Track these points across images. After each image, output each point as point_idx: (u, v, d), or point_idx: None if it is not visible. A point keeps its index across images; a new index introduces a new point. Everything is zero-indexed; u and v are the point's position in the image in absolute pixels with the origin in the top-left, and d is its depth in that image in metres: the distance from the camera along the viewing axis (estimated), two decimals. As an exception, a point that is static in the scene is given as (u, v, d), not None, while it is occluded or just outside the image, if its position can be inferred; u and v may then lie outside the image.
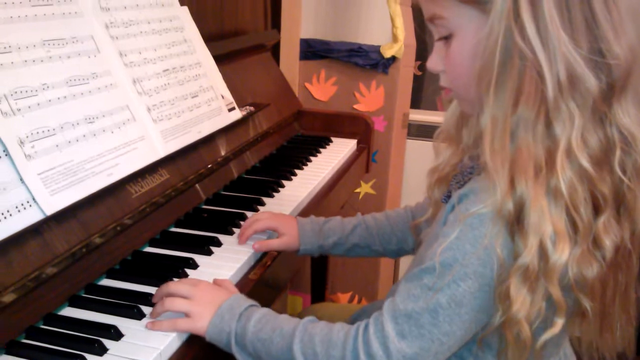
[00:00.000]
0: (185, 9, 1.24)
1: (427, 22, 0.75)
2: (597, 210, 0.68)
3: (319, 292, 1.74)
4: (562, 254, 0.65)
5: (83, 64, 0.91)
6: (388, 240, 1.05)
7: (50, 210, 0.77)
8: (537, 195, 0.65)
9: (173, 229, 1.07)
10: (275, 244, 1.02)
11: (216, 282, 0.84)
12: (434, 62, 0.75)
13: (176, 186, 1.08)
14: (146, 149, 0.98)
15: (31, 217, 0.75)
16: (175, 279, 0.88)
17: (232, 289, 0.82)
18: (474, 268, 0.67)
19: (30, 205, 0.75)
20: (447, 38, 0.72)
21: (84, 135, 0.87)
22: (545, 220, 0.65)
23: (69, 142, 0.84)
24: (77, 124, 0.86)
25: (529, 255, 0.65)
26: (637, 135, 0.68)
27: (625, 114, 0.68)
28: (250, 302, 0.79)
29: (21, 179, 0.75)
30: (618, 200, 0.69)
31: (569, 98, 0.65)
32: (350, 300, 2.11)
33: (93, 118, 0.89)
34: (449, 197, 0.81)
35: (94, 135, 0.88)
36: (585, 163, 0.66)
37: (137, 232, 0.99)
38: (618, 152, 0.68)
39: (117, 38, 1.00)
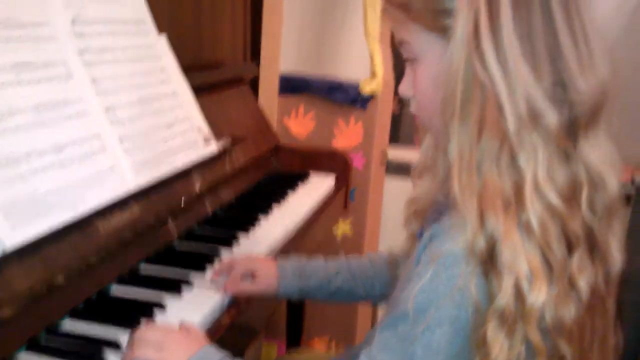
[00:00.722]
0: (163, 37, 1.21)
1: (398, 45, 0.74)
2: (570, 249, 0.65)
3: (295, 338, 1.67)
4: (539, 295, 0.62)
5: (54, 89, 0.86)
6: (371, 284, 1.00)
7: (10, 245, 0.71)
8: (508, 231, 0.63)
9: (142, 266, 1.00)
10: (250, 288, 0.97)
11: (182, 327, 0.78)
12: (404, 87, 0.75)
13: (147, 221, 1.02)
14: (116, 181, 0.93)
15: (-13, 252, 0.69)
16: (143, 321, 0.82)
17: (201, 339, 0.76)
18: (449, 312, 0.63)
19: (-13, 240, 0.69)
20: (412, 63, 0.72)
21: (51, 165, 0.81)
22: (520, 258, 0.63)
23: (35, 171, 0.78)
24: (44, 152, 0.81)
25: (504, 297, 0.62)
26: (605, 174, 0.67)
27: (594, 150, 0.66)
28: (221, 354, 0.73)
29: (-22, 211, 0.69)
30: (590, 240, 0.67)
31: (531, 131, 0.63)
32: (328, 345, 2.05)
33: (62, 146, 0.83)
34: (421, 233, 0.78)
35: (62, 164, 0.83)
36: (554, 199, 0.64)
37: (104, 270, 0.93)
38: (586, 190, 0.66)
39: (90, 64, 0.95)
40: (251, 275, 0.98)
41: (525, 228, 0.63)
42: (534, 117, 0.63)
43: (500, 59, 0.62)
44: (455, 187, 0.65)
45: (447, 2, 0.66)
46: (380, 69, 1.94)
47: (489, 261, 0.63)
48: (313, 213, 1.40)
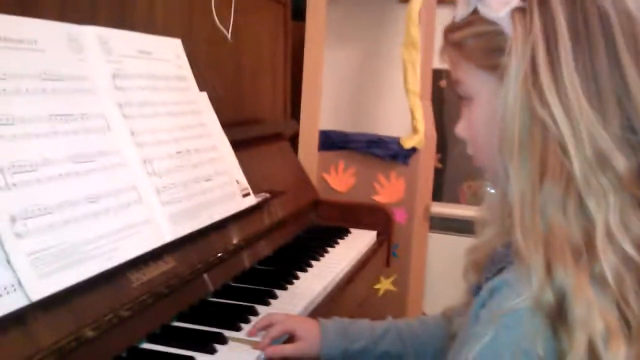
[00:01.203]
0: (204, 94, 1.22)
1: (454, 85, 0.72)
2: None
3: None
4: (616, 355, 0.56)
5: (91, 140, 0.87)
6: (423, 350, 0.92)
7: (36, 296, 0.69)
8: (580, 284, 0.57)
9: (175, 323, 0.97)
10: (290, 349, 0.91)
11: None
12: (460, 128, 0.73)
13: (181, 275, 1.00)
14: (151, 233, 0.91)
15: (14, 302, 0.67)
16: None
17: None
18: None
19: (15, 290, 0.68)
20: (467, 103, 0.70)
21: (84, 215, 0.80)
22: (594, 314, 0.57)
23: (66, 221, 0.78)
24: (78, 202, 0.80)
25: (577, 356, 0.56)
26: None
27: None
28: None
29: (8, 260, 0.68)
30: None
31: (599, 175, 0.59)
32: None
33: (95, 197, 0.83)
34: (479, 288, 0.72)
35: (95, 215, 0.82)
36: (630, 249, 0.58)
37: (135, 325, 0.90)
38: None
39: (130, 117, 0.96)
40: (290, 335, 0.93)
41: (599, 280, 0.58)
42: (601, 161, 0.59)
43: (561, 96, 0.59)
44: (518, 233, 0.60)
45: (500, 40, 0.64)
46: (421, 125, 1.92)
47: (558, 317, 0.58)
48: (353, 270, 1.35)
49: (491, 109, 0.65)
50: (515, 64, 0.61)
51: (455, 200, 2.27)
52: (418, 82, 1.86)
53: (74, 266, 0.77)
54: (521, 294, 0.58)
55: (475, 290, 0.72)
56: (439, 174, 2.19)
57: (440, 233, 2.07)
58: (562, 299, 0.57)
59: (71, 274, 0.76)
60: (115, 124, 0.93)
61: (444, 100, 2.19)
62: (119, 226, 0.86)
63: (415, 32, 1.81)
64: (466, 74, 0.68)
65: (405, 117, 1.93)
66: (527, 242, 0.59)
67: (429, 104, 2.00)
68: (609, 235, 0.58)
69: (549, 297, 0.57)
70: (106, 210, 0.84)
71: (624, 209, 0.59)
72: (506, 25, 0.63)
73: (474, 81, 0.68)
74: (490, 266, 0.71)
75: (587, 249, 0.58)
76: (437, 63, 2.02)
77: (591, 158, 0.59)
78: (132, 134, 0.95)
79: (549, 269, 0.58)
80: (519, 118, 0.61)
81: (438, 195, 2.22)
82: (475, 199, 2.15)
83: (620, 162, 0.59)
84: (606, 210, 0.58)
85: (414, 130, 1.91)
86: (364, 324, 0.95)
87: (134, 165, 0.93)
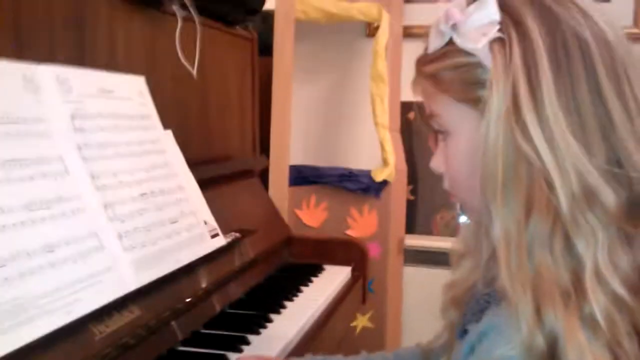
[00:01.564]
0: (169, 132, 1.18)
1: (426, 119, 0.70)
2: None
3: None
4: None
5: (48, 186, 0.82)
6: None
7: (-14, 359, 0.64)
8: (571, 328, 0.55)
9: (142, 376, 0.91)
10: None
11: None
12: (436, 162, 0.71)
13: (148, 324, 0.94)
14: (114, 282, 0.86)
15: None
16: None
17: None
18: None
19: (-38, 353, 0.62)
20: (444, 137, 0.68)
21: (40, 266, 0.75)
22: (587, 358, 0.54)
23: (22, 274, 0.72)
24: (34, 253, 0.75)
25: None
26: None
27: None
28: None
29: (-46, 321, 0.62)
30: None
31: (586, 211, 0.57)
32: None
33: (53, 246, 0.78)
34: (464, 331, 0.69)
35: (52, 266, 0.77)
36: (619, 289, 0.56)
37: (99, 382, 0.84)
38: None
39: (89, 159, 0.92)
40: None
41: (589, 323, 0.55)
42: (588, 196, 0.57)
43: (545, 131, 0.57)
44: (504, 275, 0.58)
45: (479, 72, 0.62)
46: (392, 157, 1.91)
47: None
48: (329, 308, 1.31)
49: (471, 143, 0.63)
50: (496, 98, 0.59)
51: (428, 232, 2.25)
52: (387, 114, 1.86)
53: (30, 322, 0.71)
54: (510, 341, 0.55)
55: (461, 333, 0.69)
56: (411, 205, 2.17)
57: (414, 266, 2.05)
58: (554, 344, 0.54)
59: (27, 330, 0.70)
60: (73, 168, 0.88)
61: (413, 132, 2.19)
62: (78, 276, 0.80)
63: (383, 65, 1.82)
64: (443, 107, 0.66)
65: (375, 150, 1.92)
66: (514, 285, 0.57)
67: (398, 136, 2.00)
68: (598, 275, 0.56)
69: (540, 342, 0.54)
70: (64, 259, 0.79)
71: (613, 246, 0.57)
72: (484, 57, 0.61)
73: (452, 115, 0.66)
74: (474, 306, 0.68)
75: (575, 290, 0.56)
76: (405, 96, 2.03)
77: (578, 193, 0.57)
78: (92, 177, 0.91)
79: (538, 312, 0.55)
80: (502, 154, 0.58)
81: (411, 227, 2.20)
82: (449, 230, 2.14)
83: (609, 196, 0.57)
84: (595, 249, 0.56)
85: (385, 162, 1.90)
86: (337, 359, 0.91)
87: (94, 210, 0.88)
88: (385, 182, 1.89)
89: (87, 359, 0.82)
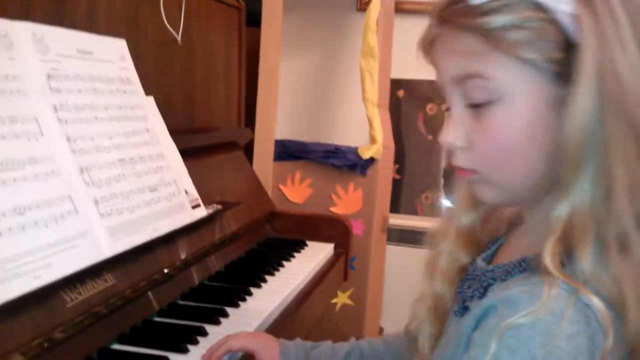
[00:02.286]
0: (151, 98, 1.15)
1: (451, 83, 0.60)
2: None
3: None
4: None
5: (21, 147, 0.79)
6: None
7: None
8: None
9: (114, 346, 0.89)
10: None
11: None
12: (454, 136, 0.60)
13: (123, 294, 0.92)
14: (88, 248, 0.83)
15: None
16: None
17: None
18: None
19: None
20: (479, 105, 0.58)
21: (10, 229, 0.72)
22: None
23: (-11, 236, 0.69)
24: (3, 214, 0.72)
25: None
26: None
27: None
28: None
29: None
30: None
31: None
32: None
33: (24, 209, 0.75)
34: (464, 308, 0.66)
35: (23, 228, 0.74)
36: None
37: (69, 350, 0.82)
38: None
39: (66, 122, 0.88)
40: (250, 355, 0.87)
41: None
42: None
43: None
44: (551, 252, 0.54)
45: (553, 30, 0.55)
46: (379, 134, 1.89)
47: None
48: (310, 284, 1.29)
49: (532, 110, 0.56)
50: (591, 60, 0.53)
51: (412, 211, 2.24)
52: (376, 91, 1.83)
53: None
54: (520, 311, 0.52)
55: (460, 310, 0.66)
56: (396, 185, 2.16)
57: (397, 245, 2.04)
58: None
59: (-7, 294, 0.67)
60: (48, 129, 0.85)
61: (402, 110, 2.17)
62: (50, 240, 0.78)
63: (374, 40, 1.78)
64: (497, 69, 0.56)
65: (363, 127, 1.89)
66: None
67: (387, 113, 1.98)
68: None
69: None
70: (36, 222, 0.76)
71: None
72: (564, 15, 0.54)
73: (511, 77, 0.56)
74: (475, 283, 0.66)
75: None
76: (396, 73, 2.00)
77: None
78: (68, 139, 0.87)
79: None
80: (607, 122, 0.53)
81: (395, 206, 2.19)
82: (433, 210, 2.14)
83: None
84: None
85: (372, 140, 1.87)
86: (325, 348, 0.89)
87: (70, 173, 0.85)
88: (371, 160, 1.86)
89: (57, 326, 0.79)
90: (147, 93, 1.13)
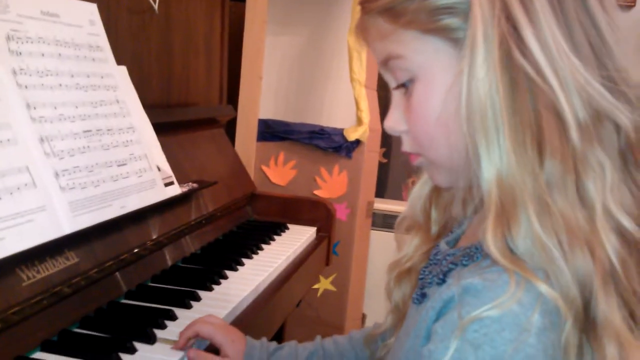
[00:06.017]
0: (123, 68, 1.08)
1: (381, 68, 0.60)
2: None
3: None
4: None
5: (-29, 111, 0.72)
6: None
7: None
8: (601, 276, 0.49)
9: (76, 330, 0.83)
10: None
11: None
12: (393, 120, 0.60)
13: (87, 273, 0.86)
14: (46, 223, 0.77)
15: None
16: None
17: None
18: None
19: None
20: (406, 86, 0.58)
21: (-45, 200, 0.66)
22: (614, 313, 0.49)
23: None
24: (-52, 184, 0.66)
25: None
26: None
27: None
28: None
29: None
30: None
31: (595, 144, 0.50)
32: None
33: (-28, 178, 0.68)
34: (422, 295, 0.62)
35: (-29, 200, 0.67)
36: (630, 226, 0.51)
37: (26, 332, 0.76)
38: None
39: (26, 87, 0.82)
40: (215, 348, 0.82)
41: (610, 271, 0.50)
42: (596, 121, 0.50)
43: (544, 50, 0.50)
44: (493, 232, 0.51)
45: None
46: (366, 116, 1.83)
47: (585, 322, 0.50)
48: (290, 268, 1.24)
49: (448, 82, 0.54)
50: (483, 21, 0.50)
51: (398, 196, 2.20)
52: (364, 71, 1.77)
53: (-62, 262, 0.62)
54: (488, 301, 0.48)
55: (418, 298, 0.62)
56: (382, 169, 2.11)
57: (382, 230, 2.00)
58: (587, 296, 0.49)
59: None
60: (6, 94, 0.78)
61: (390, 92, 2.11)
62: (4, 213, 0.71)
63: (362, 18, 1.72)
64: (406, 45, 0.56)
65: (349, 108, 1.83)
66: (543, 230, 0.49)
67: (374, 94, 1.92)
68: (608, 215, 0.51)
69: (575, 293, 0.49)
70: (-15, 194, 0.69)
71: (619, 183, 0.52)
72: None
73: (418, 52, 0.56)
74: (436, 268, 0.62)
75: (592, 235, 0.50)
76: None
77: (586, 119, 0.50)
78: (28, 106, 0.81)
79: (568, 261, 0.49)
80: (501, 85, 0.50)
81: (381, 191, 2.14)
82: (420, 196, 2.08)
83: (623, 115, 0.50)
84: (603, 188, 0.50)
85: (359, 121, 1.82)
86: (289, 349, 0.84)
87: (28, 143, 0.79)
88: (357, 142, 1.81)
89: (14, 305, 0.74)
90: (119, 62, 1.07)
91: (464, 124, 0.52)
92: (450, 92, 0.54)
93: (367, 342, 0.81)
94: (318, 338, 0.86)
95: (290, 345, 0.84)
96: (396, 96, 0.59)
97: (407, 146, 0.61)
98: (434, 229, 0.69)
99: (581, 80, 0.50)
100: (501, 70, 0.50)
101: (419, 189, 0.69)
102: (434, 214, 0.69)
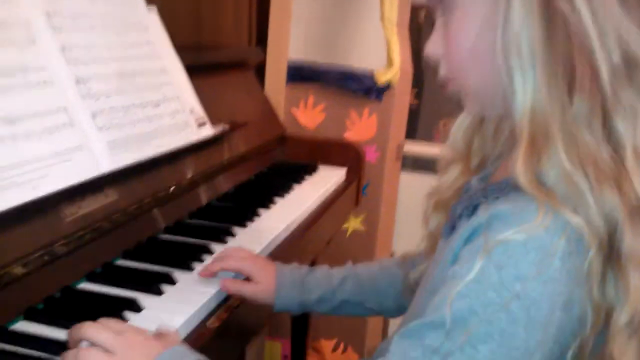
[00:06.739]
0: (154, 9, 1.09)
1: None
2: None
3: (300, 338, 1.54)
4: None
5: (10, 54, 0.75)
6: (385, 295, 0.86)
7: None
8: (628, 211, 0.51)
9: (118, 262, 0.88)
10: (248, 290, 0.83)
11: (159, 332, 0.66)
12: (433, 45, 0.61)
13: (126, 210, 0.90)
14: (85, 162, 0.81)
15: None
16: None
17: (172, 341, 0.63)
18: (501, 325, 0.49)
19: None
20: (446, 14, 0.59)
21: (1, 138, 0.69)
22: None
23: (-21, 145, 0.66)
24: (-8, 123, 0.69)
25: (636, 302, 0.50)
26: None
27: None
28: (196, 356, 0.60)
29: None
30: None
31: (627, 86, 0.51)
32: (335, 349, 1.91)
33: (14, 119, 0.71)
34: (452, 228, 0.64)
35: (14, 139, 0.71)
36: None
37: (71, 264, 0.81)
38: None
39: (60, 29, 0.84)
40: (247, 277, 0.85)
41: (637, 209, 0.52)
42: (630, 66, 0.51)
43: None
44: (523, 162, 0.52)
45: None
46: (397, 58, 1.80)
47: (609, 252, 0.51)
48: (320, 208, 1.27)
49: (483, 12, 0.55)
50: None
51: (429, 138, 2.18)
52: (395, 10, 1.73)
53: (-9, 195, 0.66)
54: (515, 226, 0.50)
55: (449, 230, 0.64)
56: (413, 110, 2.09)
57: (412, 172, 2.00)
58: (612, 230, 0.50)
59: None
60: (41, 37, 0.80)
61: (422, 33, 2.07)
62: (44, 152, 0.75)
63: (393, -47, 1.67)
64: None
65: (380, 48, 1.81)
66: (570, 162, 0.51)
67: (406, 33, 1.88)
68: (637, 155, 0.52)
69: (600, 224, 0.50)
70: (27, 133, 0.73)
71: None
72: None
73: None
74: (467, 202, 0.63)
75: (620, 175, 0.52)
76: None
77: (619, 63, 0.51)
78: (63, 49, 0.83)
79: (596, 193, 0.50)
80: (537, 17, 0.51)
81: (411, 133, 2.13)
82: (451, 138, 2.06)
83: None
84: (635, 128, 0.51)
85: (389, 62, 1.79)
86: (321, 273, 0.87)
87: (65, 84, 0.81)
88: (388, 85, 1.79)
89: (57, 240, 0.78)
90: (150, 3, 1.07)
91: (499, 55, 0.54)
92: (487, 23, 0.55)
93: (402, 263, 0.84)
94: (349, 262, 0.89)
95: (322, 269, 0.87)
96: (439, 22, 0.61)
97: (442, 70, 0.62)
98: (474, 160, 0.70)
99: (619, 24, 0.50)
100: (538, 5, 0.51)
101: (462, 119, 0.70)
102: (475, 144, 0.70)
